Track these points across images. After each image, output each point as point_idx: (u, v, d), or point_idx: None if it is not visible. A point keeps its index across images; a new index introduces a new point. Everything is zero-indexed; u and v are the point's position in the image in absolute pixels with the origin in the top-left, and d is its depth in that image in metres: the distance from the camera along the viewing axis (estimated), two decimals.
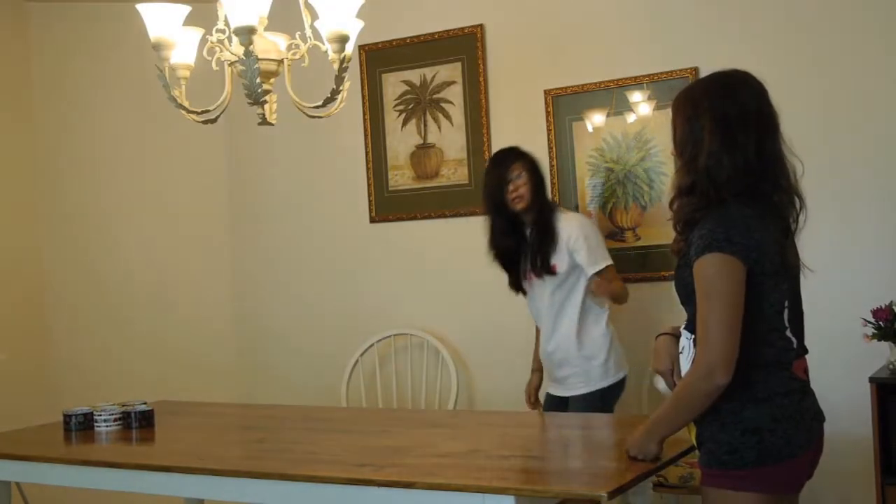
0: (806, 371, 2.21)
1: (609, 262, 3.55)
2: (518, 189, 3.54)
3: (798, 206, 2.20)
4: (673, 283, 2.25)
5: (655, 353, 2.34)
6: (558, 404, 3.65)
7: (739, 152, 2.11)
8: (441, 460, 2.51)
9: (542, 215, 3.58)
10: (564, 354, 3.59)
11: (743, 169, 2.11)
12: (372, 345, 4.49)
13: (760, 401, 2.10)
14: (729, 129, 2.12)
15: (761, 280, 2.09)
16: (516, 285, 3.70)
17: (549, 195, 3.75)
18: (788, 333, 2.17)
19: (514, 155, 3.61)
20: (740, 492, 2.08)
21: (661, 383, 2.35)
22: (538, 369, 3.78)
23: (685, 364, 2.20)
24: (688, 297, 2.17)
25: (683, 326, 2.23)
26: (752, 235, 2.08)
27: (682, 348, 2.23)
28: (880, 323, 3.26)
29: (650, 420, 2.23)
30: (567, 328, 3.57)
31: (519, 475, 2.34)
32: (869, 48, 3.60)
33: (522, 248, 3.63)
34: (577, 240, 3.51)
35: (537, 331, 3.76)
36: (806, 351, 2.23)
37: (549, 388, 3.71)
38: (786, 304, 2.16)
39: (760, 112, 2.16)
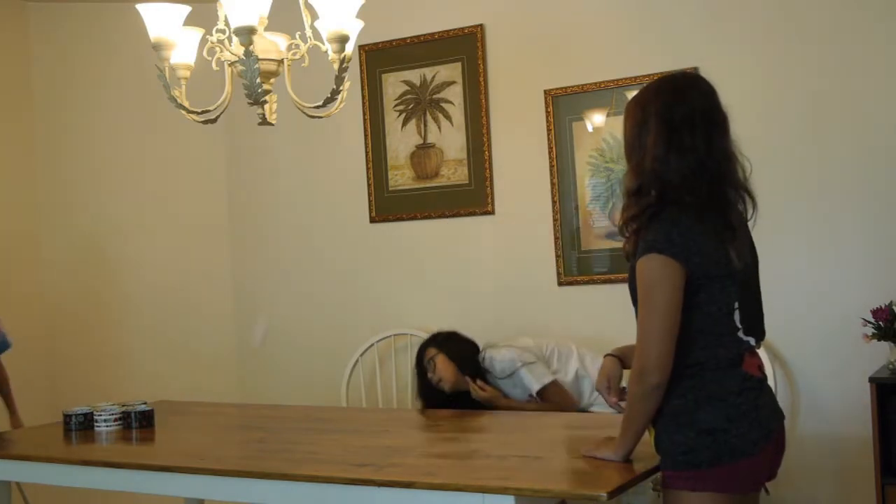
0: (760, 367, 2.21)
1: (550, 379, 3.61)
2: (437, 373, 3.69)
3: (748, 204, 2.21)
4: None
5: (599, 372, 2.44)
6: None
7: (689, 153, 2.12)
8: (441, 460, 2.52)
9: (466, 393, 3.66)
10: None
11: (697, 169, 2.12)
12: (372, 345, 4.49)
13: (714, 401, 2.12)
14: (675, 132, 2.13)
15: (706, 283, 2.11)
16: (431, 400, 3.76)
17: (475, 360, 3.75)
18: (741, 334, 2.17)
19: (426, 343, 3.77)
20: (698, 492, 2.10)
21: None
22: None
23: None
24: (635, 298, 2.19)
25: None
26: (695, 238, 2.09)
27: None
28: (880, 323, 3.27)
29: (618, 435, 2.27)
30: None
31: (519, 475, 2.34)
32: (866, 50, 3.60)
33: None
34: (512, 366, 3.61)
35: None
36: (758, 346, 2.23)
37: None
38: (735, 305, 2.16)
39: (709, 112, 2.17)
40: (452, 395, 3.68)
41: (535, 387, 3.59)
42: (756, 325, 2.23)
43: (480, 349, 3.76)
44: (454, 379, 3.67)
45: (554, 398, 3.61)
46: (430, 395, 3.72)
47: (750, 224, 2.24)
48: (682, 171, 2.12)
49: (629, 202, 2.20)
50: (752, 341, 2.20)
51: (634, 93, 3.86)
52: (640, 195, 2.17)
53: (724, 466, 2.09)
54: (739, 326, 2.17)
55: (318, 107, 3.00)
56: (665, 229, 2.10)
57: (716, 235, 2.13)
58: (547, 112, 4.14)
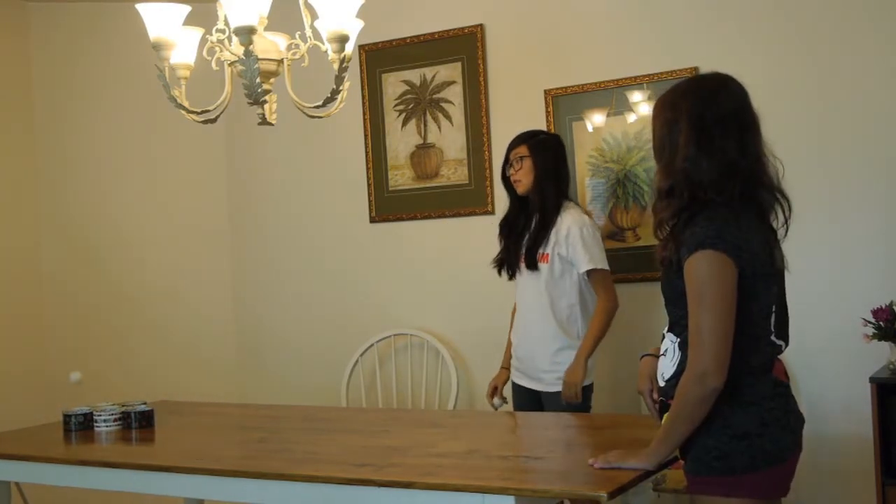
0: (786, 373, 2.20)
1: (604, 266, 3.52)
2: (517, 173, 3.60)
3: (784, 206, 2.19)
4: None
5: (639, 374, 2.36)
6: (530, 398, 3.62)
7: (720, 154, 2.10)
8: (441, 460, 2.51)
9: (544, 205, 3.57)
10: (545, 350, 3.56)
11: (727, 171, 2.10)
12: (372, 345, 4.49)
13: (749, 405, 2.09)
14: (706, 132, 2.11)
15: (752, 283, 2.08)
16: (507, 264, 3.67)
17: (561, 186, 3.64)
18: (774, 338, 2.16)
19: (524, 137, 3.64)
20: (732, 498, 2.07)
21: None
22: (509, 367, 3.74)
23: (669, 367, 2.18)
24: (676, 298, 2.15)
25: (666, 329, 2.22)
26: (744, 236, 2.07)
27: (665, 350, 2.21)
28: (880, 323, 3.26)
29: (654, 438, 2.19)
30: (553, 326, 3.54)
31: (519, 475, 2.34)
32: (866, 48, 3.60)
33: (525, 230, 3.63)
34: (571, 236, 3.50)
35: (511, 326, 3.76)
36: (782, 351, 2.22)
37: (521, 380, 3.65)
38: (773, 308, 2.15)
39: (740, 114, 2.15)
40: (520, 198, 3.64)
41: (585, 266, 3.49)
42: (786, 330, 2.22)
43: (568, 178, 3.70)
44: (530, 187, 3.58)
45: (599, 286, 3.51)
46: (507, 184, 3.68)
47: (788, 226, 2.21)
48: (712, 173, 2.10)
49: (661, 204, 2.18)
50: (782, 346, 2.19)
51: (635, 93, 3.95)
52: (671, 196, 2.15)
53: (759, 472, 2.07)
54: (772, 330, 2.16)
55: (318, 107, 3.00)
56: (716, 225, 2.07)
57: (762, 235, 2.12)
58: (547, 112, 4.14)
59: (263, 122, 3.04)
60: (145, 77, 3.59)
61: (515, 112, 4.22)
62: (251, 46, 2.72)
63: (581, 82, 4.07)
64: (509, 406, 3.74)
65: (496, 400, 3.71)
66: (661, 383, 2.21)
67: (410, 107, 4.49)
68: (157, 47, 2.94)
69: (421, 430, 3.08)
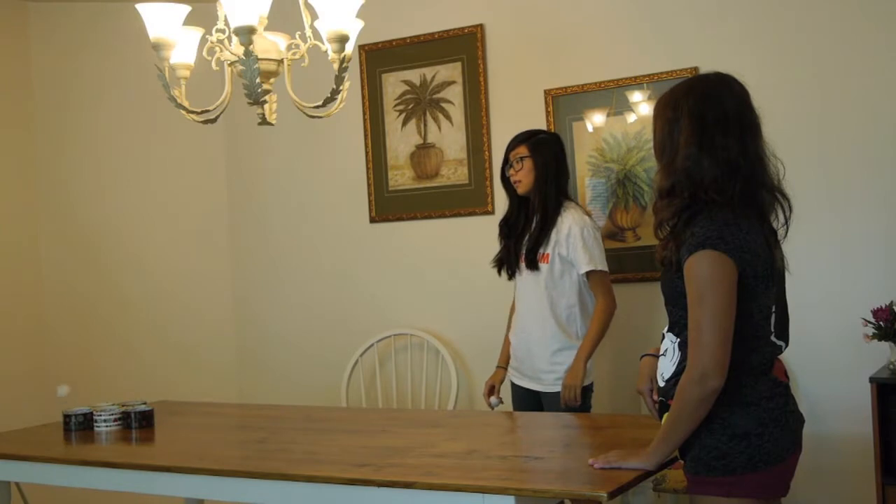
0: (786, 373, 2.20)
1: (603, 267, 3.51)
2: (517, 173, 3.58)
3: (784, 206, 2.19)
4: None
5: (639, 373, 2.36)
6: (529, 398, 3.61)
7: (721, 154, 2.10)
8: (441, 460, 2.52)
9: (544, 205, 3.55)
10: (544, 350, 3.54)
11: (728, 170, 2.10)
12: (372, 345, 4.49)
13: (748, 405, 2.09)
14: (707, 132, 2.11)
15: (752, 283, 2.08)
16: (507, 264, 3.66)
17: (561, 186, 3.61)
18: (774, 338, 2.17)
19: (523, 137, 3.62)
20: (732, 498, 2.08)
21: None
22: (505, 366, 3.74)
23: (669, 367, 2.18)
24: (676, 298, 2.15)
25: (666, 329, 2.22)
26: (745, 237, 2.07)
27: (665, 350, 2.21)
28: (880, 323, 3.26)
29: (654, 439, 2.20)
30: (553, 326, 3.53)
31: (519, 475, 2.34)
32: (867, 48, 3.60)
33: (526, 230, 3.62)
34: (572, 236, 3.49)
35: (508, 326, 3.75)
36: (782, 351, 2.22)
37: (520, 380, 3.64)
38: (773, 308, 2.16)
39: (741, 114, 2.15)
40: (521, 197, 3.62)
41: (585, 267, 3.48)
42: (786, 330, 2.22)
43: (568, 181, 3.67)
44: (530, 187, 3.57)
45: (598, 287, 3.51)
46: (507, 184, 3.66)
47: (788, 227, 2.21)
48: (713, 172, 2.10)
49: (662, 203, 2.18)
50: (782, 346, 2.19)
51: (635, 93, 3.94)
52: (672, 196, 2.15)
53: (759, 473, 2.07)
54: (772, 330, 2.16)
55: (318, 107, 3.00)
56: (717, 225, 2.07)
57: (762, 235, 2.12)
58: (547, 112, 4.14)
59: (263, 122, 3.04)
60: (145, 77, 3.59)
61: (515, 112, 4.23)
62: (251, 46, 2.72)
63: (581, 82, 4.08)
64: (507, 405, 3.74)
65: (493, 399, 3.71)
66: (661, 383, 2.21)
67: (410, 107, 4.49)
68: (157, 47, 2.94)
69: (421, 430, 3.08)
